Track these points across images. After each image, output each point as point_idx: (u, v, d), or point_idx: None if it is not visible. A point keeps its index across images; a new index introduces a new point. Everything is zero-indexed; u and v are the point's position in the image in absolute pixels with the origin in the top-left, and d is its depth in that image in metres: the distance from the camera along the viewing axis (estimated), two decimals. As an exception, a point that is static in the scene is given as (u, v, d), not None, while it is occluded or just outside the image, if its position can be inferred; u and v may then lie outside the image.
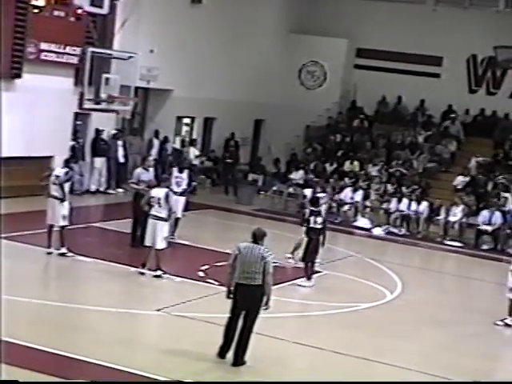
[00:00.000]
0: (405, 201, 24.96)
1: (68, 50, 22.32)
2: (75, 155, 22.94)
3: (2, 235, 16.44)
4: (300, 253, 16.55)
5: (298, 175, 27.74)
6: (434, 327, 15.01)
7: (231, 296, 11.33)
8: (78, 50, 22.39)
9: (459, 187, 26.90)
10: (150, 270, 15.62)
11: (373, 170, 27.86)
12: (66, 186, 16.40)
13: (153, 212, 15.60)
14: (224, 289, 11.71)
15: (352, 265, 19.35)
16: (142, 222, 17.06)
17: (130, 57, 23.13)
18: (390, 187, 26.63)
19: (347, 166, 28.62)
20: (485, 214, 24.04)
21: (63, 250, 16.22)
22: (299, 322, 14.57)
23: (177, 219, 18.53)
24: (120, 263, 16.31)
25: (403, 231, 24.52)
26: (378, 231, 24.13)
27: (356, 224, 24.45)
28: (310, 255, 16.42)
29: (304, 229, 16.63)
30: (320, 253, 16.95)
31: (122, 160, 25.56)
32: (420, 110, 31.80)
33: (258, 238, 11.35)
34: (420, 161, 28.92)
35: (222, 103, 29.30)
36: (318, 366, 11.98)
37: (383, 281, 17.75)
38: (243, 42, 29.98)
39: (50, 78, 22.14)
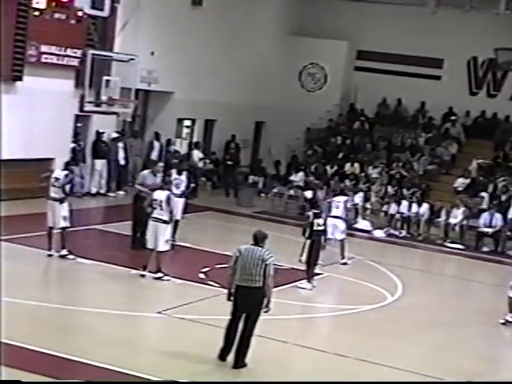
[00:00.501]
0: (405, 203, 24.97)
1: (69, 52, 22.33)
2: (76, 157, 22.96)
3: (2, 237, 16.45)
4: (304, 255, 16.52)
5: (298, 177, 27.76)
6: (434, 329, 15.00)
7: (232, 298, 11.32)
8: (78, 53, 22.41)
9: (460, 189, 26.92)
10: (150, 272, 15.62)
11: (373, 172, 27.87)
12: (66, 188, 16.40)
13: (154, 214, 15.61)
14: (225, 291, 11.71)
15: (353, 267, 19.33)
16: (142, 225, 17.08)
17: (131, 59, 23.14)
18: (390, 189, 26.64)
19: (348, 168, 28.63)
20: (485, 216, 24.04)
21: (64, 252, 16.21)
22: (300, 323, 14.56)
23: (176, 221, 18.53)
24: (121, 265, 16.31)
25: (404, 233, 24.53)
26: (378, 233, 24.13)
27: (356, 226, 24.43)
28: (313, 257, 16.44)
29: (303, 230, 16.62)
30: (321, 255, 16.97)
31: (122, 162, 25.58)
32: (420, 112, 31.83)
33: (258, 240, 11.34)
34: (420, 163, 28.93)
35: (223, 105, 29.32)
36: (319, 368, 11.97)
37: (384, 283, 17.74)
38: (244, 45, 30.00)
39: (51, 81, 22.15)
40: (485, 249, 23.61)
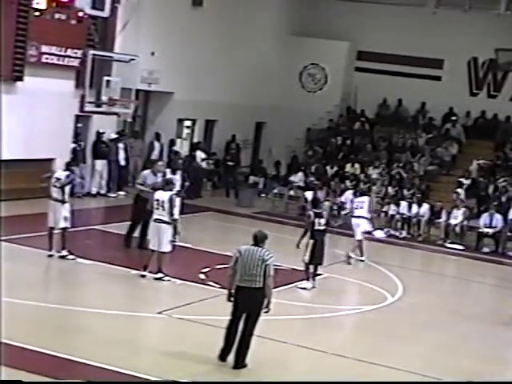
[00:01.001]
0: (405, 203, 24.97)
1: (69, 52, 22.34)
2: (76, 158, 22.95)
3: (2, 237, 16.46)
4: (307, 255, 16.50)
5: (298, 178, 27.75)
6: (434, 329, 14.99)
7: (232, 299, 11.33)
8: (79, 53, 22.42)
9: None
10: (151, 272, 15.62)
11: (373, 173, 27.86)
12: (67, 189, 16.40)
13: (156, 215, 15.59)
14: (225, 291, 11.70)
15: (353, 267, 19.33)
16: (143, 225, 17.10)
17: (131, 59, 23.15)
18: (390, 190, 26.63)
19: (348, 168, 28.63)
20: (486, 216, 24.05)
21: (64, 253, 16.21)
22: (300, 324, 14.55)
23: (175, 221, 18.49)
24: (121, 266, 16.31)
25: (404, 234, 24.54)
26: (378, 234, 24.11)
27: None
28: (316, 257, 16.44)
29: (305, 231, 16.62)
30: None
31: (123, 163, 25.59)
32: (421, 113, 31.83)
33: (259, 240, 11.34)
34: (421, 163, 28.93)
35: (223, 106, 29.32)
36: (319, 369, 11.96)
37: (384, 283, 17.74)
38: (244, 45, 30.00)
39: (51, 81, 22.15)
40: (485, 249, 23.60)
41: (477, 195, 26.37)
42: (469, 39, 30.64)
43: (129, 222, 18.27)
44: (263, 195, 28.18)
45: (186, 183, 20.28)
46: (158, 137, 27.20)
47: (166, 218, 15.54)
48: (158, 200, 15.62)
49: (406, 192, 26.00)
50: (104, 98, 22.52)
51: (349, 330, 14.32)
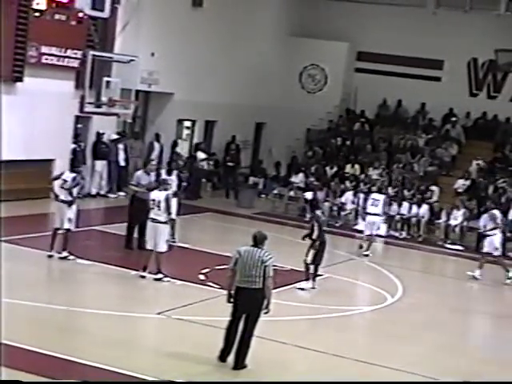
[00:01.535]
0: (405, 204, 24.97)
1: (69, 53, 22.36)
2: (76, 158, 22.95)
3: (2, 238, 16.46)
4: (309, 255, 16.49)
5: (298, 178, 27.74)
6: (434, 330, 15.00)
7: (232, 300, 11.32)
8: (78, 54, 22.44)
9: (460, 190, 26.91)
10: (150, 273, 15.62)
11: (373, 174, 27.86)
12: (74, 191, 16.41)
13: (152, 215, 15.60)
14: (224, 292, 11.71)
15: (353, 268, 19.35)
16: (140, 226, 17.09)
17: (131, 60, 23.14)
18: (390, 191, 26.62)
19: (348, 169, 28.62)
20: (486, 217, 23.97)
21: (65, 254, 16.21)
22: (300, 325, 14.54)
23: (173, 220, 18.49)
24: (120, 266, 16.32)
25: (404, 234, 24.54)
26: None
27: (357, 227, 24.42)
28: (318, 257, 16.44)
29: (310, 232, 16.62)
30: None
31: (122, 163, 25.59)
32: (421, 114, 31.82)
33: (258, 241, 11.34)
34: (421, 164, 28.92)
35: (223, 106, 29.32)
36: (319, 369, 11.96)
37: (384, 284, 17.74)
38: (244, 46, 30.00)
39: (51, 82, 22.16)
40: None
41: (477, 196, 26.35)
42: (469, 40, 30.63)
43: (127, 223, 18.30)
44: (263, 196, 28.19)
45: (184, 184, 20.27)
46: (157, 137, 27.19)
47: (163, 218, 15.54)
48: (153, 200, 15.64)
49: (406, 193, 25.99)
50: (104, 99, 22.52)
51: (349, 330, 14.31)
